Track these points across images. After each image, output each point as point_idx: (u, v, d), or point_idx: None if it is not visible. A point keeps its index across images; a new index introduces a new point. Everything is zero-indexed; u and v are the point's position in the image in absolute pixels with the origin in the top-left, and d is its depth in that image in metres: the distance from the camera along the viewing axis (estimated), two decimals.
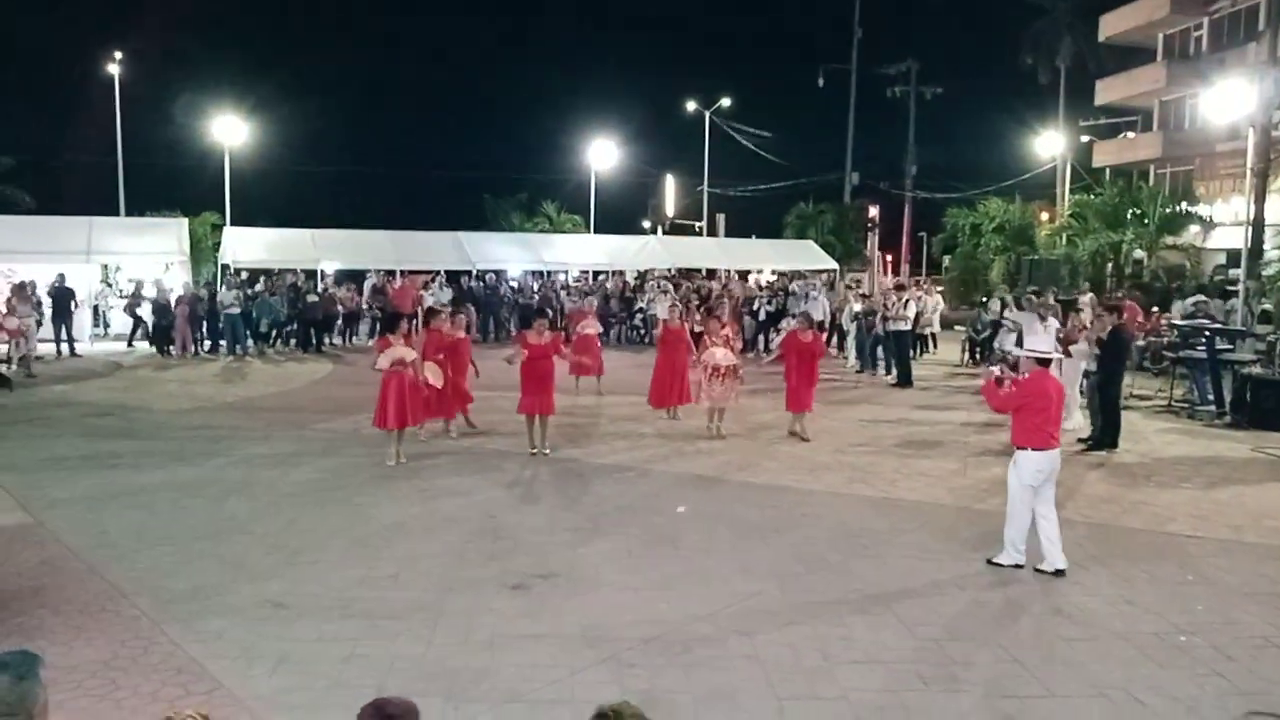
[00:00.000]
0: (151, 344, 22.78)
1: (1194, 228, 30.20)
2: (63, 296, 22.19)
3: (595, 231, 38.44)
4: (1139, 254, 29.57)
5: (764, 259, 35.46)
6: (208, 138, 31.53)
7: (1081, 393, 13.71)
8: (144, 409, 15.20)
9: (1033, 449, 7.61)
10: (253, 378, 19.38)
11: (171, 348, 22.41)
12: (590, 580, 7.48)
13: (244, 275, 25.30)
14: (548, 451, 11.83)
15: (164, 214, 30.07)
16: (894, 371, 18.99)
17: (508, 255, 31.70)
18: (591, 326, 17.01)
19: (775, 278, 30.12)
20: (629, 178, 47.13)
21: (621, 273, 31.37)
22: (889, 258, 44.02)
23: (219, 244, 28.58)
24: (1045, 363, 7.85)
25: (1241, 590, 7.40)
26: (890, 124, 43.96)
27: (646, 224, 51.66)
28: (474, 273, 29.02)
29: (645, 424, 13.98)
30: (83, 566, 7.65)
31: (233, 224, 29.34)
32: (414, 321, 13.09)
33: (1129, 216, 29.85)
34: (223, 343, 22.88)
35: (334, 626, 6.50)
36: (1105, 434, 12.49)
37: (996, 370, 8.43)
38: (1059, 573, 7.56)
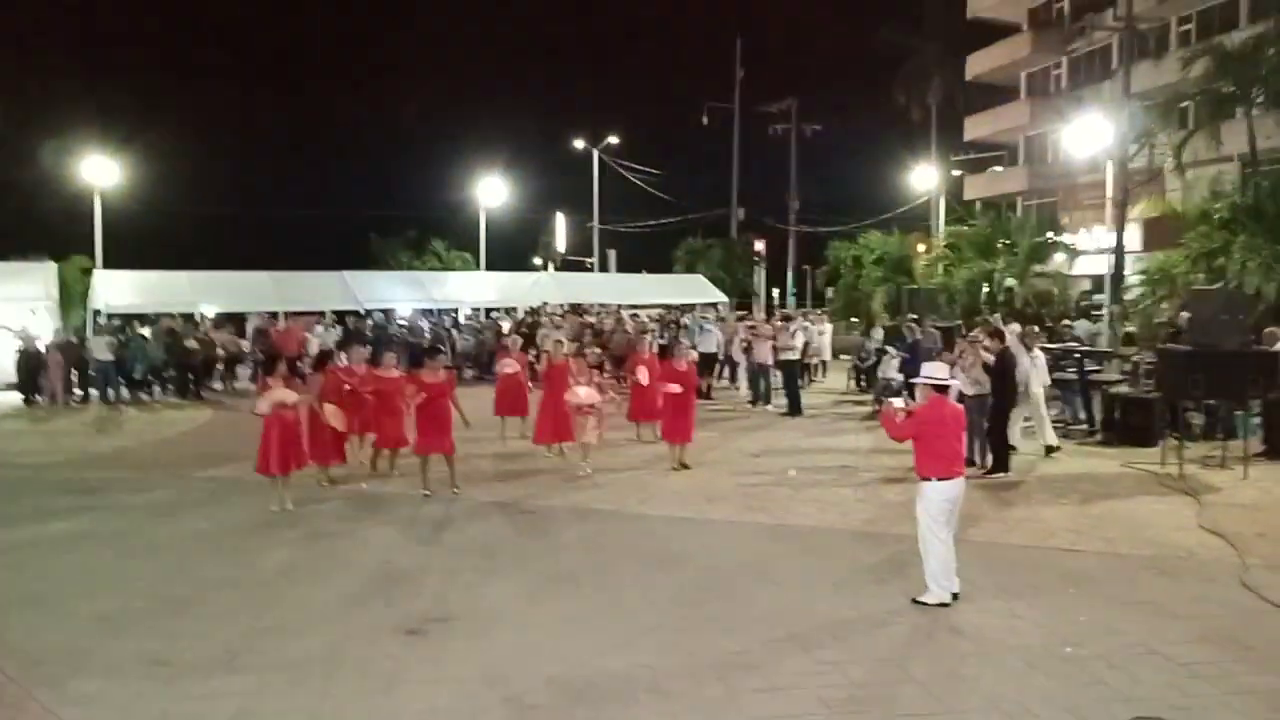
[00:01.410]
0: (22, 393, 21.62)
1: (1060, 256, 31.72)
2: None
3: (486, 269, 38.19)
4: (1010, 282, 30.87)
5: (655, 293, 35.81)
6: (78, 179, 30.16)
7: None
8: (9, 463, 14.39)
9: (937, 479, 7.50)
10: (128, 427, 18.56)
11: (39, 397, 21.32)
12: (490, 621, 7.34)
13: (115, 321, 24.26)
14: (457, 490, 11.61)
15: (30, 258, 28.64)
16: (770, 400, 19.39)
17: (396, 294, 31.27)
18: (510, 366, 16.51)
19: (664, 311, 30.37)
20: (519, 215, 47.11)
21: (514, 309, 31.22)
22: (775, 291, 44.99)
23: (88, 289, 27.38)
24: (943, 389, 7.75)
25: (1119, 600, 7.70)
26: (773, 160, 45.19)
27: (538, 260, 51.58)
28: (362, 312, 28.50)
29: (539, 460, 13.86)
30: None
31: (105, 268, 28.19)
32: (298, 365, 12.68)
33: (1000, 246, 31.21)
34: (94, 392, 21.87)
35: (220, 682, 6.21)
36: (997, 459, 12.72)
37: (898, 403, 8.28)
38: (953, 596, 7.59)
